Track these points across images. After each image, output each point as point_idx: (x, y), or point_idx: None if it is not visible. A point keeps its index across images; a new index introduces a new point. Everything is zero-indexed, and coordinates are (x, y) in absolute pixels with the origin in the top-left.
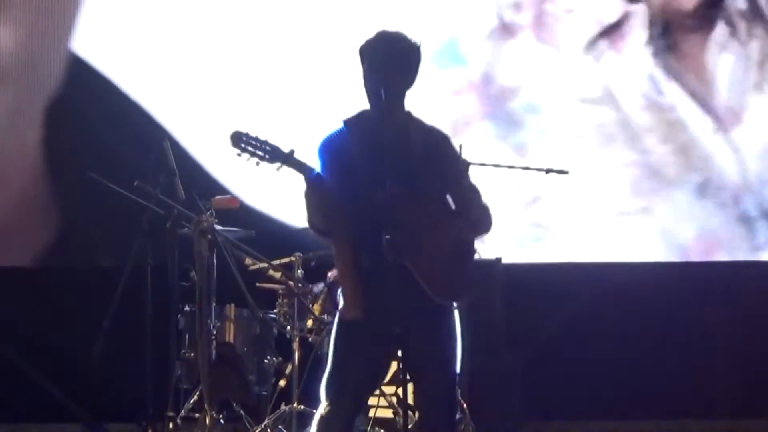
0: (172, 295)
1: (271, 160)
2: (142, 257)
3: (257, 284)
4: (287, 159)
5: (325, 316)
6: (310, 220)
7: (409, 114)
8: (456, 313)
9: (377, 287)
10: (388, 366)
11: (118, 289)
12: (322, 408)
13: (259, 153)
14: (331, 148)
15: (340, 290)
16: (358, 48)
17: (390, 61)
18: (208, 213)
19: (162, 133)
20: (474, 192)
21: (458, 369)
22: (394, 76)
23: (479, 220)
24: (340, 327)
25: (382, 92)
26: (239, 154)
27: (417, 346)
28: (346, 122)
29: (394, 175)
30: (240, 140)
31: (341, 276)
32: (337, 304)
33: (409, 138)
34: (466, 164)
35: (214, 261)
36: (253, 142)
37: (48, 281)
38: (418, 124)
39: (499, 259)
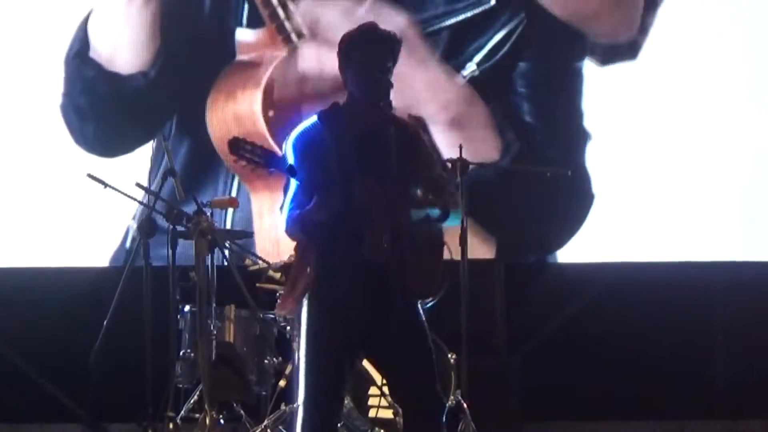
0: (172, 295)
1: (266, 165)
2: (143, 257)
3: (257, 285)
4: (278, 163)
5: None
6: (288, 219)
7: (386, 106)
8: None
9: (347, 287)
10: (355, 364)
11: (118, 289)
12: (301, 413)
13: (255, 159)
14: (303, 141)
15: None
16: (339, 40)
17: (372, 54)
18: (208, 213)
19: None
20: (445, 181)
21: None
22: (376, 68)
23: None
24: (309, 329)
25: (363, 84)
26: (237, 160)
27: (390, 346)
28: (320, 115)
29: (366, 169)
30: (238, 146)
31: (297, 271)
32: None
33: (384, 131)
34: (466, 164)
35: (214, 261)
36: (249, 148)
37: (48, 281)
38: (393, 116)
39: (499, 259)
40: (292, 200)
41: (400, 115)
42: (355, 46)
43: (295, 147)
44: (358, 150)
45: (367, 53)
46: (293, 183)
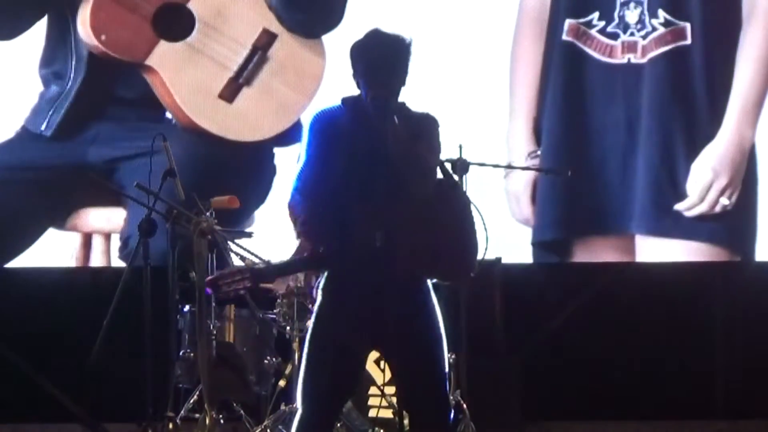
0: (171, 295)
1: (255, 283)
2: (142, 257)
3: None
4: (270, 272)
5: None
6: (292, 198)
7: (402, 108)
8: (435, 301)
9: (353, 291)
10: (363, 369)
11: (117, 289)
12: (299, 414)
13: (238, 281)
14: (324, 121)
15: (318, 289)
16: (349, 49)
17: (383, 61)
18: (208, 213)
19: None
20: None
21: (446, 366)
22: (388, 76)
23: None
24: (316, 329)
25: (368, 98)
26: (226, 297)
27: (396, 349)
28: (344, 101)
29: (382, 162)
30: (216, 286)
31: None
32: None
33: (399, 135)
34: (466, 164)
35: (214, 261)
36: (229, 281)
37: (47, 281)
38: (410, 115)
39: (499, 259)
40: (300, 176)
41: (418, 113)
42: (358, 58)
43: (312, 127)
44: (376, 143)
45: (368, 65)
46: (302, 158)
